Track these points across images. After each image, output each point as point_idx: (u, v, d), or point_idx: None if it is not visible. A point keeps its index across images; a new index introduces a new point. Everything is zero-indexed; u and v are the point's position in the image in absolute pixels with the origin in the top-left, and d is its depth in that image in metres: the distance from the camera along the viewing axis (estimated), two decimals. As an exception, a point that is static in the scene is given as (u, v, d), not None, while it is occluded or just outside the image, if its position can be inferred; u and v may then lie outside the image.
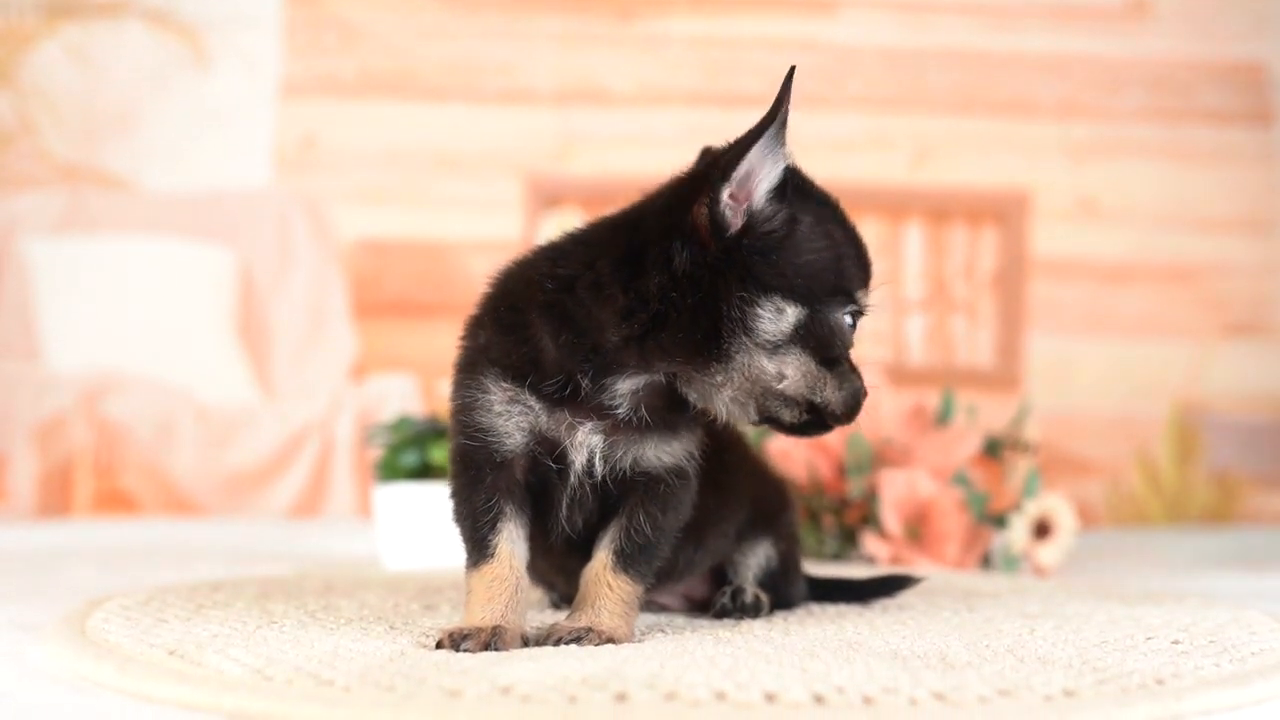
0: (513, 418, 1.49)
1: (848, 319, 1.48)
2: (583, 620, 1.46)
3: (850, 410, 1.49)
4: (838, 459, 2.98)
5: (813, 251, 1.45)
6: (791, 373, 1.43)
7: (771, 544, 1.82)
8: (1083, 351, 5.30)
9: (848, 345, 1.49)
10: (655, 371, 1.45)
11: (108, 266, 4.84)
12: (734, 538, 1.79)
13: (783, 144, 1.46)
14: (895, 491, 2.84)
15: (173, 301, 4.83)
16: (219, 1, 5.36)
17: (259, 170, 5.37)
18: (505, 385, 1.50)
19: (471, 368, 1.53)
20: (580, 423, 1.48)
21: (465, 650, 1.35)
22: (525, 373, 1.48)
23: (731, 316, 1.40)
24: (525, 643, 1.42)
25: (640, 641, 1.46)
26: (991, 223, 5.29)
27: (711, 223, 1.41)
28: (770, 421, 1.48)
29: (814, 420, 1.48)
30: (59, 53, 5.29)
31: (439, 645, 1.38)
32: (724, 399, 1.45)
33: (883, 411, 3.09)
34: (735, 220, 1.42)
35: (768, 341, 1.42)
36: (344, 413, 4.53)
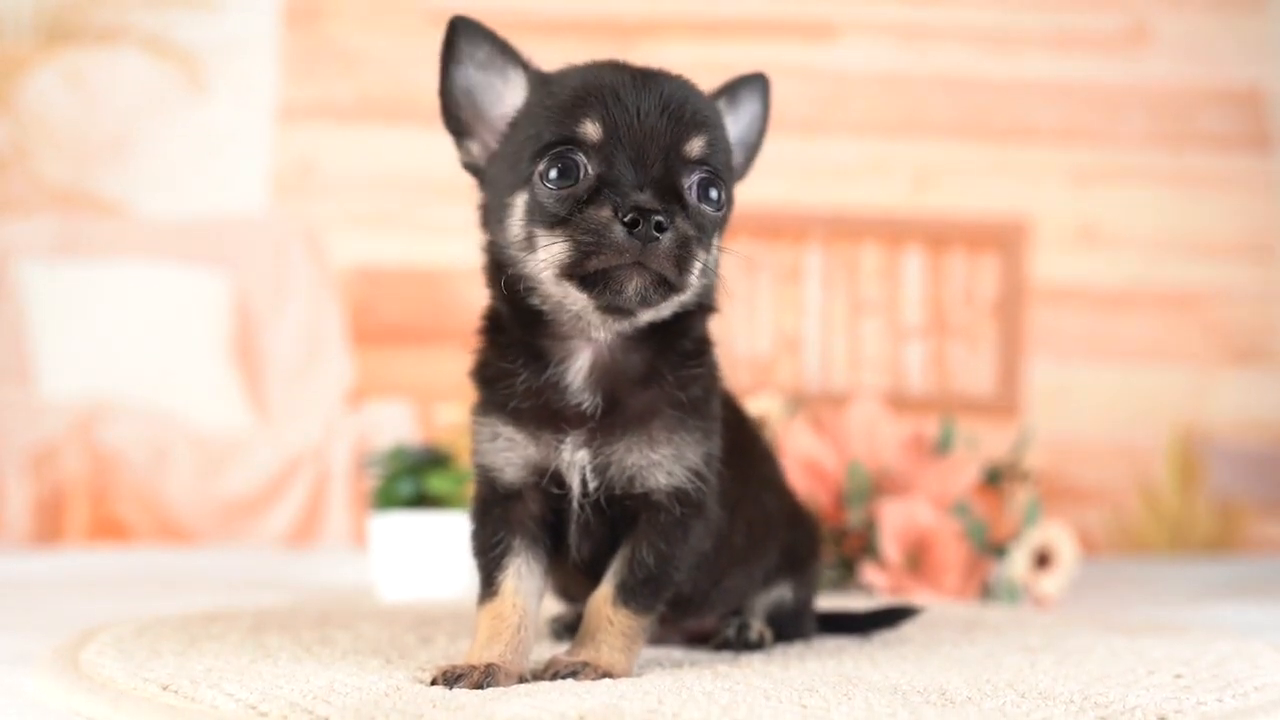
0: (501, 453, 1.49)
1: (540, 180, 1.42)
2: (581, 654, 1.45)
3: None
4: (837, 488, 2.96)
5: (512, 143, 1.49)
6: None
7: (790, 587, 1.80)
8: (1083, 378, 5.28)
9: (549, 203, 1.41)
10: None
11: (102, 292, 4.82)
12: (761, 580, 1.77)
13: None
14: (895, 521, 2.83)
15: (168, 327, 4.82)
16: (216, 27, 5.35)
17: (255, 196, 5.36)
18: (484, 420, 1.52)
19: (477, 400, 1.54)
20: (561, 439, 1.47)
21: (459, 689, 1.33)
22: (501, 399, 1.50)
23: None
24: (524, 681, 1.40)
25: (638, 676, 1.45)
26: (991, 249, 5.28)
27: None
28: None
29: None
30: (55, 78, 5.28)
31: (433, 682, 1.36)
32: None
33: (882, 440, 3.08)
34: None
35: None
36: (340, 440, 4.51)
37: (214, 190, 5.35)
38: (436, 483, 2.76)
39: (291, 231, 5.18)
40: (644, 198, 1.34)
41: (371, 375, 5.16)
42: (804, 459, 3.00)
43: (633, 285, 1.35)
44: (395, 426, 4.53)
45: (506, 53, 1.52)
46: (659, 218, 1.33)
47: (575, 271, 1.36)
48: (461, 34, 1.51)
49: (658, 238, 1.33)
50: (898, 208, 5.27)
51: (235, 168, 5.37)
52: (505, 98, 1.51)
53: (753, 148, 1.63)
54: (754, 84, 1.62)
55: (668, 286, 1.37)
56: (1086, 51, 5.40)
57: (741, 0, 5.38)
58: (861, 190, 5.27)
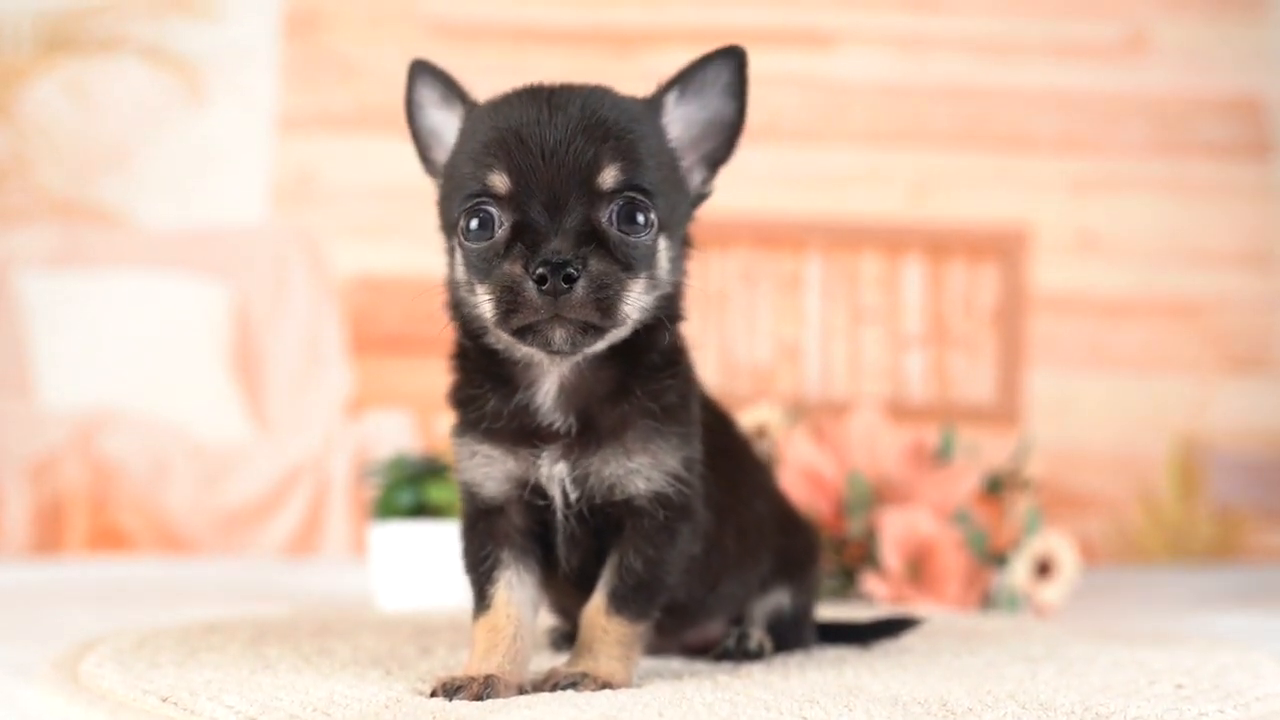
0: (480, 468, 1.49)
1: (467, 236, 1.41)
2: (579, 665, 1.44)
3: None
4: (837, 497, 2.96)
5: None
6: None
7: (789, 593, 1.79)
8: (1084, 387, 5.28)
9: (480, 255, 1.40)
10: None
11: (102, 302, 4.83)
12: (757, 586, 1.77)
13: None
14: (895, 530, 2.83)
15: (168, 338, 4.82)
16: (216, 37, 5.35)
17: (255, 206, 5.36)
18: (462, 439, 1.52)
19: (455, 421, 1.54)
20: (538, 453, 1.46)
21: (458, 700, 1.33)
22: (475, 419, 1.50)
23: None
24: (523, 692, 1.40)
25: (638, 687, 1.44)
26: (991, 258, 5.28)
27: None
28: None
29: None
30: (55, 88, 5.28)
31: (433, 694, 1.36)
32: None
33: (882, 449, 3.08)
34: None
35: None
36: (339, 450, 4.51)
37: (214, 200, 5.35)
38: (436, 492, 2.76)
39: (291, 241, 5.18)
40: (552, 248, 1.32)
41: (371, 385, 5.15)
42: (804, 468, 3.00)
43: (558, 336, 1.34)
44: (395, 436, 4.53)
45: (453, 90, 1.53)
46: (569, 269, 1.31)
47: (503, 327, 1.37)
48: (416, 78, 1.54)
49: (569, 288, 1.32)
50: (897, 217, 5.27)
51: (235, 177, 5.36)
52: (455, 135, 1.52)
53: (731, 126, 1.54)
54: (721, 59, 1.55)
55: (595, 330, 1.36)
56: (1085, 60, 5.40)
57: (741, 9, 5.38)
58: (861, 199, 5.27)
